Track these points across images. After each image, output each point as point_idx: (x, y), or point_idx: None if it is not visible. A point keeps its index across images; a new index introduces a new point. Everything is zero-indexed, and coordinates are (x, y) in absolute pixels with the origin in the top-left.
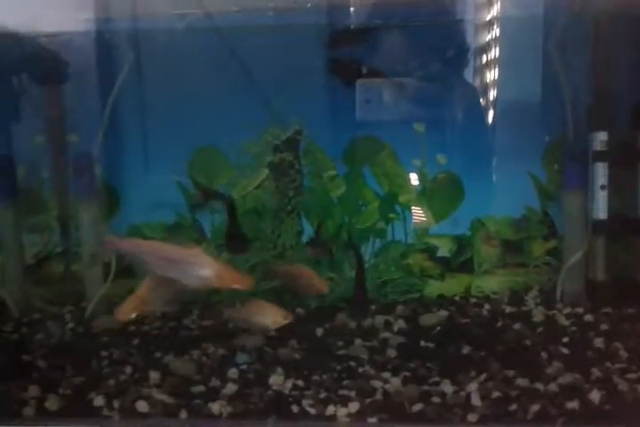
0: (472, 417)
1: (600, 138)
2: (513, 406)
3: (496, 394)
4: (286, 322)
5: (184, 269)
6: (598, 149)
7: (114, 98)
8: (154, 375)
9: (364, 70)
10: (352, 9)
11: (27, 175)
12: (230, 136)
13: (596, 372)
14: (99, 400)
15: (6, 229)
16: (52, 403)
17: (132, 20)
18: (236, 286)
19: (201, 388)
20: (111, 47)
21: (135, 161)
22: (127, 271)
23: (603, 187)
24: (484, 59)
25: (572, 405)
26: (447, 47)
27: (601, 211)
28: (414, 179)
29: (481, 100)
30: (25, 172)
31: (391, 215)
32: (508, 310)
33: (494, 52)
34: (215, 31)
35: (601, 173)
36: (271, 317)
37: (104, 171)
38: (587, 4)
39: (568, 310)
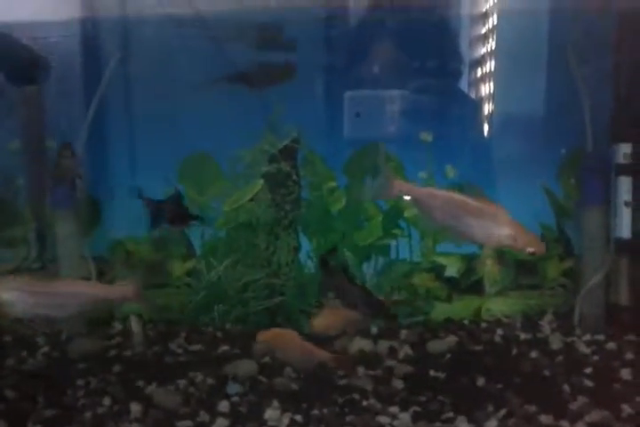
0: None
1: (623, 150)
2: None
3: None
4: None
5: (478, 224)
6: (621, 161)
7: (97, 101)
8: (135, 408)
9: None
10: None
11: (1, 184)
12: (223, 143)
13: (626, 408)
14: None
15: None
16: None
17: (119, 20)
18: (530, 249)
19: (188, 423)
20: (96, 47)
21: (119, 170)
22: None
23: (627, 203)
24: (491, 67)
25: None
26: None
27: (624, 229)
28: None
29: (491, 110)
30: None
31: (395, 231)
32: (523, 336)
33: (501, 60)
34: (206, 30)
35: (625, 188)
36: None
37: (85, 180)
38: (608, 3)
39: (587, 336)
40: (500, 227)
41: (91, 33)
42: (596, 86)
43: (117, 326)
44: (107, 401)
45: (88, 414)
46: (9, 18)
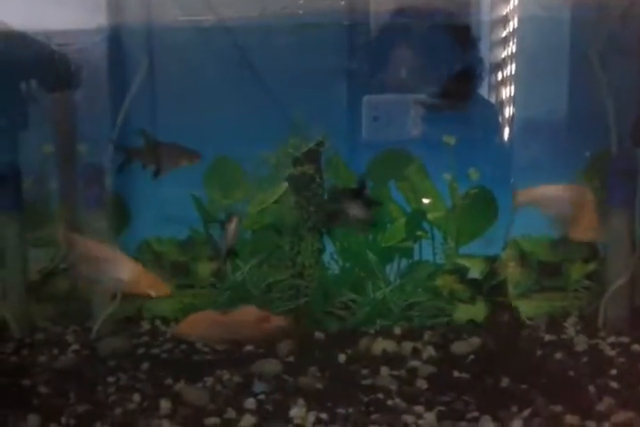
0: None
1: None
2: None
3: None
4: None
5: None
6: None
7: (126, 106)
8: (164, 405)
9: None
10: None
11: (33, 186)
12: (248, 147)
13: None
14: None
15: (10, 242)
16: None
17: (145, 27)
18: (151, 291)
19: (215, 420)
20: (124, 54)
21: (147, 172)
22: None
23: None
24: (515, 69)
25: None
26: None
27: None
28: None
29: (514, 113)
30: (31, 182)
31: (419, 233)
32: (547, 337)
33: (525, 63)
34: (230, 36)
35: None
36: None
37: (114, 182)
38: (633, 8)
39: (612, 338)
40: None
41: (122, 40)
42: (620, 89)
43: (145, 325)
44: (137, 398)
45: (119, 410)
46: (40, 26)
